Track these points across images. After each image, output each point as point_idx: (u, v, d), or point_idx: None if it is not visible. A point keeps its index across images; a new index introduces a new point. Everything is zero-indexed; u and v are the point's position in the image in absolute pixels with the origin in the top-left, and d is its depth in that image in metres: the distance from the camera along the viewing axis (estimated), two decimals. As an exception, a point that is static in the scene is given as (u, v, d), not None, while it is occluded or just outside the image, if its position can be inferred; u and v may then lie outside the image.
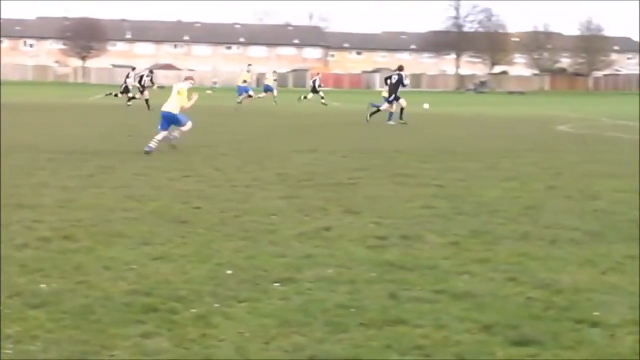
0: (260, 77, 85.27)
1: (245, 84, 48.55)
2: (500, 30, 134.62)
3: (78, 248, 9.45)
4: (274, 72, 64.13)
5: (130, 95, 45.97)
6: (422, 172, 17.14)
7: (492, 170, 17.90)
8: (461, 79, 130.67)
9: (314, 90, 55.31)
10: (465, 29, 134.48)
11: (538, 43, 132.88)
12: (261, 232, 10.56)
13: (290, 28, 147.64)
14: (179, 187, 14.56)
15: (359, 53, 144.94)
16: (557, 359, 6.13)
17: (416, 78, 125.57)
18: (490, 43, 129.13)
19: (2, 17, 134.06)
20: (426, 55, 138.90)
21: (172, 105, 21.06)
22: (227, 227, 10.81)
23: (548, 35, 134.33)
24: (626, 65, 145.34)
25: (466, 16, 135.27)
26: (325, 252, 9.46)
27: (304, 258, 9.11)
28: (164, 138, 20.99)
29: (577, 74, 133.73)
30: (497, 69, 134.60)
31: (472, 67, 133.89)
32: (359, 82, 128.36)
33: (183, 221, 11.19)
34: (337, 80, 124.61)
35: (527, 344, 6.37)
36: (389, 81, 35.25)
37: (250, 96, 48.38)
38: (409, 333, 6.61)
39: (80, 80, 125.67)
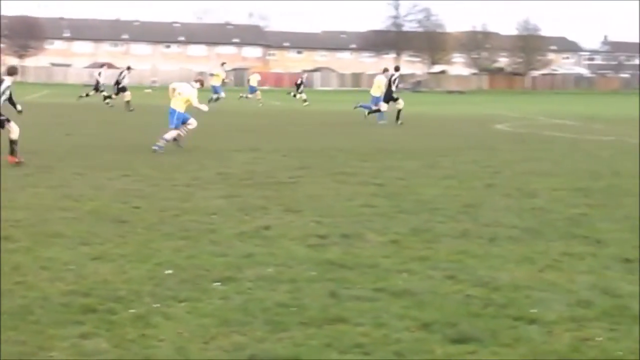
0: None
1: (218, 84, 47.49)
2: (439, 30, 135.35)
3: (16, 248, 9.34)
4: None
5: (105, 94, 44.39)
6: (362, 171, 17.19)
7: (431, 168, 18.01)
8: (401, 77, 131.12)
9: (298, 89, 55.02)
10: (405, 29, 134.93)
11: (476, 43, 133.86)
12: (201, 231, 10.52)
13: (229, 27, 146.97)
14: (118, 186, 14.45)
15: (299, 52, 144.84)
16: (495, 356, 6.17)
17: (356, 77, 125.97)
18: (430, 42, 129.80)
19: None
20: (366, 54, 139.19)
21: (178, 104, 21.49)
22: (167, 227, 10.75)
23: (486, 35, 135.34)
24: (562, 64, 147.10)
25: (406, 15, 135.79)
26: (265, 251, 9.45)
27: (244, 257, 9.09)
28: (172, 136, 21.34)
29: (514, 74, 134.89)
30: (437, 68, 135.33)
31: (412, 66, 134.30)
32: (274, 81, 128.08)
33: (122, 221, 11.10)
34: (278, 79, 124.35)
35: (466, 342, 6.41)
36: (391, 82, 35.36)
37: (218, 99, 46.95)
38: (349, 331, 6.62)
39: (18, 79, 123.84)
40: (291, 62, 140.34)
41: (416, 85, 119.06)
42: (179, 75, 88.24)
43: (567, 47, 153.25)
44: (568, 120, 38.87)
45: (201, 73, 67.95)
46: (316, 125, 32.48)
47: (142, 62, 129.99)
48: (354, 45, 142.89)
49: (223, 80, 48.42)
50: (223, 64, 51.91)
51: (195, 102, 21.60)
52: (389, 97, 34.75)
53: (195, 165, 17.62)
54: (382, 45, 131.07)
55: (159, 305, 7.20)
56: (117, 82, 43.25)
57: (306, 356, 6.10)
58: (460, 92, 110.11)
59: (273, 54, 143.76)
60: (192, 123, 21.68)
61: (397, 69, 35.52)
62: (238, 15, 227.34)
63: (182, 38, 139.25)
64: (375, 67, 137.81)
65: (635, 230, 10.97)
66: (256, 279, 8.15)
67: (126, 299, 7.34)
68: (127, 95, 42.21)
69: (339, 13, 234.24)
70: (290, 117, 38.23)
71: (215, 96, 46.40)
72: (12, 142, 17.79)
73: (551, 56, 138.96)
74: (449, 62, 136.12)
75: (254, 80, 55.51)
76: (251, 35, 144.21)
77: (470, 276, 8.43)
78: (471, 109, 52.84)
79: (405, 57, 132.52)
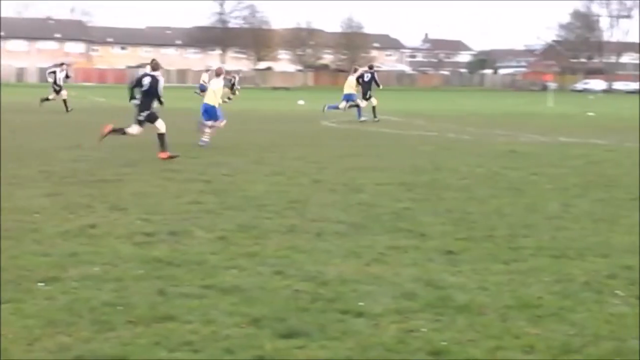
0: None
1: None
2: (265, 27, 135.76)
3: None
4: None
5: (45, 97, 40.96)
6: (189, 168, 17.08)
7: (258, 164, 18.05)
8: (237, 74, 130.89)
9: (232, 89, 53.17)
10: (230, 25, 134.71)
11: (301, 40, 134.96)
12: (24, 230, 10.23)
13: (51, 22, 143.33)
14: None
15: (123, 48, 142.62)
16: (323, 349, 6.23)
17: (182, 74, 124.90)
18: (255, 39, 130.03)
19: None
20: (191, 50, 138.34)
21: (211, 99, 23.07)
22: (-13, 227, 10.40)
23: (311, 32, 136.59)
24: (385, 61, 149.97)
25: (231, 12, 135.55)
26: (91, 250, 9.27)
27: (69, 256, 8.89)
28: (201, 125, 22.87)
29: (339, 70, 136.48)
30: (262, 64, 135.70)
31: (238, 62, 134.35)
32: (124, 78, 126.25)
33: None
34: (101, 75, 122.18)
35: (295, 336, 6.46)
36: (361, 80, 36.49)
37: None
38: (178, 329, 6.57)
39: None
40: (115, 58, 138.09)
41: (237, 82, 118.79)
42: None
43: (390, 44, 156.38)
44: (391, 116, 39.61)
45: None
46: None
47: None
48: (179, 42, 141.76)
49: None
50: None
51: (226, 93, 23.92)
52: (368, 95, 36.55)
53: (16, 164, 17.10)
54: (208, 42, 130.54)
55: (-21, 308, 6.96)
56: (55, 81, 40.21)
57: (134, 355, 6.02)
58: (286, 89, 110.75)
59: (96, 50, 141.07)
60: (223, 122, 23.25)
61: (371, 67, 36.65)
62: (60, 10, 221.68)
63: (2, 33, 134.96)
64: (201, 63, 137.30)
65: (457, 223, 11.30)
66: (81, 279, 7.99)
67: (-56, 303, 7.07)
68: (63, 94, 39.69)
69: (163, 9, 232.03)
70: (114, 114, 37.56)
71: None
72: (161, 137, 19.14)
73: (374, 53, 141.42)
74: (274, 59, 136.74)
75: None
76: (73, 31, 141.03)
77: (298, 271, 8.49)
78: (297, 105, 53.20)
79: (230, 54, 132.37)
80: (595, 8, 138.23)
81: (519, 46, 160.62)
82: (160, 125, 19.41)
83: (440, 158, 20.01)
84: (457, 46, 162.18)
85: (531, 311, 7.18)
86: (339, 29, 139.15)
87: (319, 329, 6.64)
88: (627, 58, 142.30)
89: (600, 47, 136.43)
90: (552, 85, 79.89)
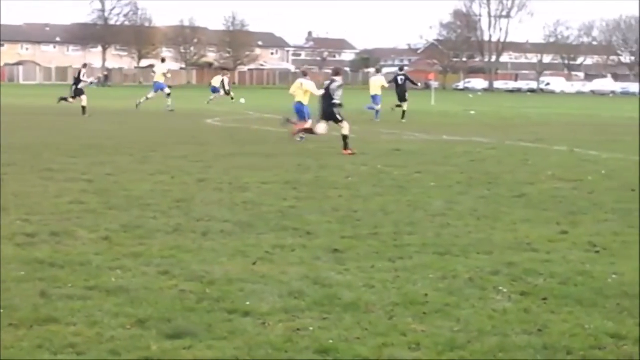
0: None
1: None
2: (147, 24, 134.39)
3: None
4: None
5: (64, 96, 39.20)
6: (70, 167, 16.77)
7: (142, 164, 17.84)
8: (109, 72, 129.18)
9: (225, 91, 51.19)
10: (112, 22, 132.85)
11: (184, 37, 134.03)
12: None
13: None
14: None
15: (0, 45, 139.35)
16: (210, 349, 6.19)
17: (62, 71, 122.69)
18: (137, 37, 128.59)
19: None
20: (72, 48, 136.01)
21: (301, 98, 25.40)
22: None
23: (194, 30, 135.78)
24: (270, 60, 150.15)
25: (112, 9, 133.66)
26: (-31, 252, 9.01)
27: (-54, 259, 8.63)
28: (285, 121, 25.20)
29: (223, 68, 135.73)
30: (145, 62, 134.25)
31: (120, 60, 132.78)
32: (2, 76, 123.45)
33: None
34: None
35: (181, 337, 6.39)
36: (395, 83, 36.10)
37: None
38: (61, 331, 6.44)
39: None
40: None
41: (104, 80, 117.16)
42: None
43: (274, 43, 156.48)
44: (276, 115, 39.63)
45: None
46: (19, 121, 31.34)
47: None
48: (58, 39, 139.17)
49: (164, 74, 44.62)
50: (164, 60, 47.43)
51: (315, 92, 24.94)
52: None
53: None
54: (89, 39, 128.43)
55: None
56: (76, 82, 37.77)
57: (17, 358, 5.88)
58: (169, 87, 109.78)
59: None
60: (310, 122, 24.85)
61: (401, 68, 35.40)
62: None
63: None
64: (81, 61, 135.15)
65: (343, 221, 11.35)
66: (-41, 282, 7.76)
67: None
68: (84, 100, 36.82)
69: (42, 5, 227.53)
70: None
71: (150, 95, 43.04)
72: (345, 137, 21.42)
73: (258, 52, 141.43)
74: (157, 57, 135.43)
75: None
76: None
77: (184, 271, 8.41)
78: (181, 104, 52.78)
79: (112, 52, 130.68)
80: (476, 8, 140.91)
81: (402, 45, 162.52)
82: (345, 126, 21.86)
83: (325, 156, 20.11)
84: (341, 45, 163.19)
85: (417, 308, 7.25)
86: (222, 27, 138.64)
87: (205, 329, 6.59)
88: (506, 57, 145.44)
89: (481, 46, 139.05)
90: (435, 84, 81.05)
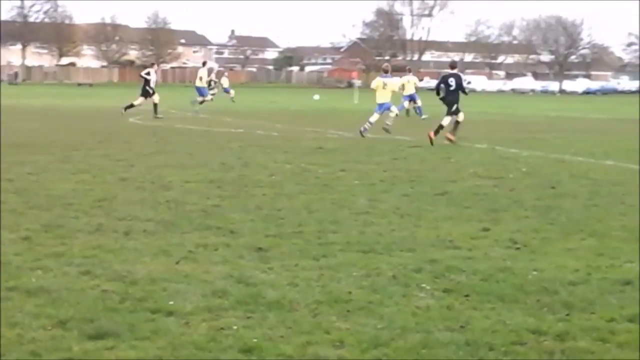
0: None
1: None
2: (67, 22, 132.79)
3: None
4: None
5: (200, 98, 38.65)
6: (-11, 166, 16.48)
7: (63, 163, 17.62)
8: (29, 70, 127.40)
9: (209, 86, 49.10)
10: (31, 19, 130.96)
11: (105, 35, 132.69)
12: None
13: None
14: None
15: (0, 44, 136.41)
16: (133, 350, 6.13)
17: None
18: (57, 34, 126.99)
19: None
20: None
21: (386, 97, 26.90)
22: None
23: (115, 27, 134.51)
24: (192, 58, 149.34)
25: (32, 6, 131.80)
26: None
27: None
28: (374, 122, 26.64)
29: (145, 66, 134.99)
30: (65, 60, 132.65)
31: (40, 58, 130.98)
32: None
33: None
34: None
35: (104, 337, 6.32)
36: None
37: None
38: (-19, 334, 6.32)
39: None
40: None
41: (13, 78, 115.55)
42: None
43: (197, 40, 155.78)
44: (199, 113, 39.45)
45: None
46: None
47: None
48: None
49: (209, 81, 43.24)
50: (204, 63, 45.47)
51: (396, 89, 29.06)
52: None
53: None
54: (7, 37, 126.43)
55: None
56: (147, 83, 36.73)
57: None
58: (90, 85, 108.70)
59: None
60: (394, 110, 27.38)
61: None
62: None
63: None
64: (3, 59, 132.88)
65: (267, 220, 11.34)
66: None
67: None
68: (156, 98, 36.14)
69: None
70: None
71: (200, 99, 41.31)
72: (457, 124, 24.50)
73: (181, 49, 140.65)
74: (78, 54, 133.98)
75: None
76: None
77: (106, 271, 8.32)
78: (102, 102, 52.29)
79: (32, 49, 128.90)
80: (398, 7, 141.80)
81: (325, 43, 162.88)
82: (461, 116, 24.73)
83: (249, 155, 20.08)
84: (264, 43, 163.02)
85: (341, 306, 7.26)
86: (144, 25, 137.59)
87: (128, 329, 6.52)
88: (428, 56, 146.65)
89: (404, 45, 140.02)
90: (358, 82, 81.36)
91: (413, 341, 6.39)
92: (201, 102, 41.40)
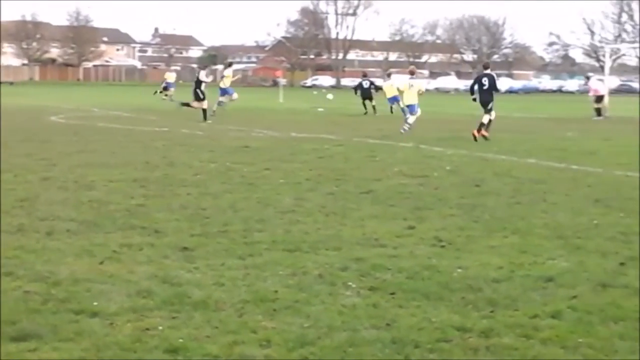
0: None
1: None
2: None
3: None
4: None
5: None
6: None
7: (-17, 162, 17.31)
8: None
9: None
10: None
11: (26, 32, 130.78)
12: None
13: None
14: None
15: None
16: (56, 351, 6.04)
17: None
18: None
19: None
20: None
21: (412, 98, 28.93)
22: None
23: (37, 25, 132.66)
24: (116, 56, 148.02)
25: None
26: None
27: None
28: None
29: (67, 65, 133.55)
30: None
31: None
32: None
33: None
34: None
35: (26, 339, 6.23)
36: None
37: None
38: None
39: None
40: None
41: None
42: None
43: (120, 38, 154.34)
44: (123, 112, 39.14)
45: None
46: None
47: None
48: None
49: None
50: (230, 64, 43.13)
51: (423, 89, 30.25)
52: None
53: None
54: None
55: None
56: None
57: None
58: (10, 83, 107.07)
59: None
60: (418, 112, 29.11)
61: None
62: None
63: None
64: None
65: (192, 219, 11.27)
66: None
67: None
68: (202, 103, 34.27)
69: None
70: None
71: (222, 99, 39.27)
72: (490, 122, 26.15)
73: (104, 47, 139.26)
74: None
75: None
76: None
77: (28, 272, 8.20)
78: (23, 101, 51.55)
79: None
80: (323, 6, 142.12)
81: (250, 42, 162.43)
82: (493, 114, 26.27)
83: (173, 154, 19.94)
84: (188, 41, 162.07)
85: (267, 305, 7.24)
86: (66, 22, 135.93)
87: (51, 330, 6.43)
88: (353, 55, 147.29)
89: (328, 44, 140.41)
90: (283, 81, 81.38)
91: (339, 340, 6.40)
92: (219, 104, 39.44)
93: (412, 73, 29.89)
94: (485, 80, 26.25)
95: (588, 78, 48.56)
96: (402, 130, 27.85)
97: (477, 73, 39.87)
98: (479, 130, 25.69)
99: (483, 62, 45.60)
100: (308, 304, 7.31)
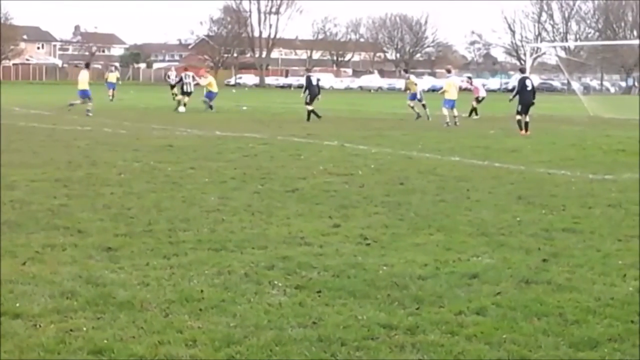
0: None
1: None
2: None
3: None
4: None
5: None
6: None
7: None
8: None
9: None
10: None
11: None
12: None
13: None
14: None
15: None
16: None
17: None
18: None
19: None
20: None
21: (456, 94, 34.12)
22: None
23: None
24: (36, 54, 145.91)
25: None
26: None
27: None
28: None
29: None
30: None
31: None
32: None
33: None
34: None
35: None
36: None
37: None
38: None
39: None
40: None
41: None
42: None
43: (40, 37, 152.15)
44: (44, 111, 38.60)
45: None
46: None
47: None
48: None
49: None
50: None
51: (463, 85, 33.86)
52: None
53: None
54: None
55: None
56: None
57: None
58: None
59: None
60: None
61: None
62: None
63: None
64: None
65: (116, 219, 11.18)
66: None
67: None
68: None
69: None
70: None
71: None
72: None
73: (23, 45, 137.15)
74: None
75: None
76: None
77: (-53, 274, 8.05)
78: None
79: None
80: (246, 4, 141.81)
81: (173, 40, 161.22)
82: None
83: (97, 153, 19.74)
84: (110, 39, 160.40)
85: (193, 305, 7.22)
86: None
87: (-28, 333, 6.33)
88: (277, 53, 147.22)
89: (252, 42, 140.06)
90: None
91: (266, 338, 6.40)
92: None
93: (449, 71, 34.61)
94: (528, 82, 28.80)
95: (470, 78, 49.05)
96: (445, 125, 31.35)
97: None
98: (526, 130, 28.01)
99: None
100: (234, 303, 7.30)
